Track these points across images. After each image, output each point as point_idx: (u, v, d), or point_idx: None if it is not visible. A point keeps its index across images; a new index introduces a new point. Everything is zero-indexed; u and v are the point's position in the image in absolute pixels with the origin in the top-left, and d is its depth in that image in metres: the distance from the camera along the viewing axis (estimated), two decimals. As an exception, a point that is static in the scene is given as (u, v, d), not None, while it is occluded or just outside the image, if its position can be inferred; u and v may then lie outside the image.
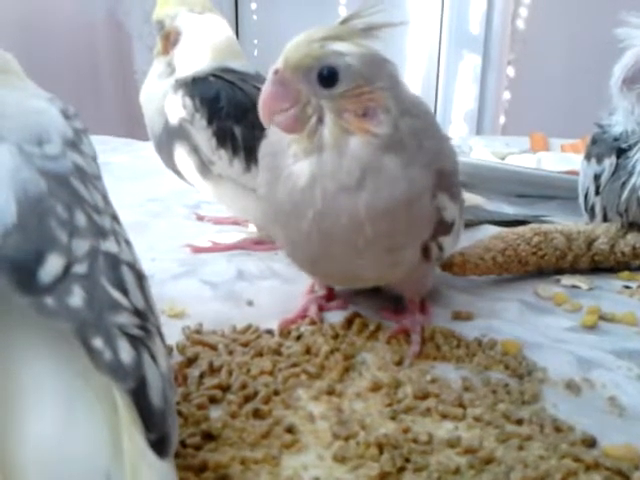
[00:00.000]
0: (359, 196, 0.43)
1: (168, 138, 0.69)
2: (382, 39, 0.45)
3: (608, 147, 0.69)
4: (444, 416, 0.42)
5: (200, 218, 0.84)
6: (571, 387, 0.46)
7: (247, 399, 0.43)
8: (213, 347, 0.49)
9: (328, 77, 0.43)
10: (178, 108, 0.67)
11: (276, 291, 0.61)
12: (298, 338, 0.51)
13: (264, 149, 0.50)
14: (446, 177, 0.49)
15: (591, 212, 0.73)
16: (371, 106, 0.44)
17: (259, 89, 0.66)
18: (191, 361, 0.47)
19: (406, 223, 0.46)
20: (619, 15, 0.65)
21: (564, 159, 1.13)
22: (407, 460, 0.37)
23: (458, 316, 0.56)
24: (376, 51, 0.45)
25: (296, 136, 0.45)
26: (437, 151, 0.48)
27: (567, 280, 0.65)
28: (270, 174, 0.48)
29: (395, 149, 0.44)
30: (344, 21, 0.44)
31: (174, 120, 0.67)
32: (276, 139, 0.48)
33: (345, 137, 0.43)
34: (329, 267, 0.50)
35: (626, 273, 0.67)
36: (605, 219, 0.71)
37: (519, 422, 0.41)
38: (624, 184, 0.67)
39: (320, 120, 0.44)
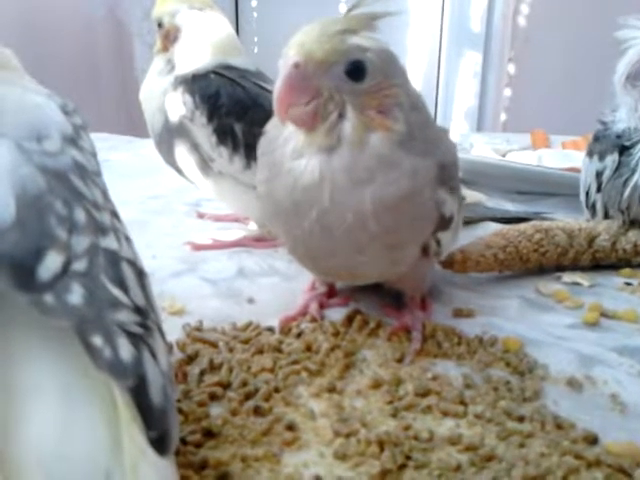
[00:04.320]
0: (366, 190, 0.43)
1: (168, 135, 0.69)
2: (383, 36, 0.45)
3: (610, 144, 0.69)
4: (445, 413, 0.42)
5: (200, 215, 0.84)
6: (572, 384, 0.46)
7: (247, 396, 0.43)
8: (213, 344, 0.49)
9: (357, 71, 0.42)
10: (178, 105, 0.67)
11: (276, 288, 0.61)
12: (299, 335, 0.51)
13: (263, 146, 0.50)
14: (446, 170, 0.49)
15: (592, 209, 0.73)
16: (388, 102, 0.44)
17: (260, 86, 0.67)
18: (191, 358, 0.47)
19: (409, 218, 0.46)
20: (618, 19, 0.65)
21: (565, 156, 1.13)
22: (408, 457, 0.37)
23: (459, 313, 0.56)
24: (388, 47, 0.45)
25: (306, 132, 0.44)
26: (438, 144, 0.49)
27: (568, 277, 0.65)
28: (269, 171, 0.48)
29: (407, 144, 0.44)
30: (350, 10, 0.44)
31: (174, 117, 0.67)
32: (274, 136, 0.48)
33: (366, 133, 0.43)
34: (331, 263, 0.50)
35: (627, 270, 0.67)
36: (606, 216, 0.71)
37: (520, 419, 0.41)
38: (626, 181, 0.67)
39: (340, 116, 0.43)
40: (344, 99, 0.43)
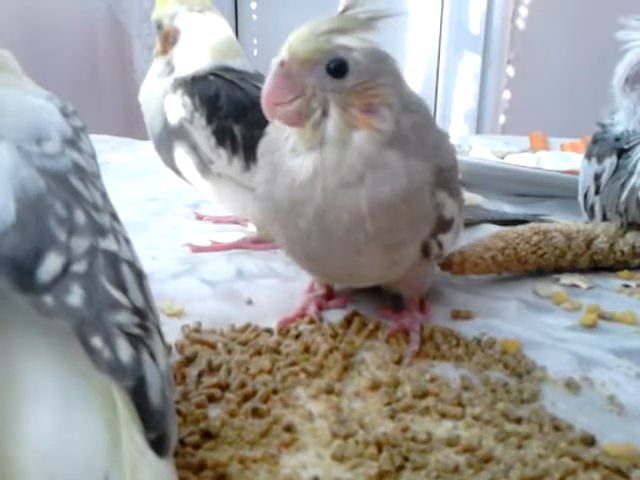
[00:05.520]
0: (360, 192, 0.44)
1: (168, 137, 0.69)
2: (382, 38, 0.45)
3: (609, 147, 0.69)
4: (443, 415, 0.42)
5: (200, 217, 0.84)
6: (570, 386, 0.46)
7: (246, 398, 0.43)
8: (212, 346, 0.49)
9: (338, 69, 0.43)
10: (177, 107, 0.67)
11: (275, 290, 0.61)
12: (297, 337, 0.51)
13: (262, 147, 0.50)
14: (445, 173, 0.49)
15: (590, 211, 0.73)
16: (374, 102, 0.44)
17: (259, 88, 0.66)
18: (190, 360, 0.47)
19: (406, 219, 0.46)
20: (618, 19, 0.65)
21: (563, 158, 1.13)
22: (406, 459, 0.37)
23: (457, 315, 0.56)
24: (380, 47, 0.45)
25: (297, 129, 0.45)
26: (436, 147, 0.49)
27: (566, 279, 0.65)
28: (268, 171, 0.48)
29: (397, 145, 0.44)
30: (344, 10, 0.44)
31: (173, 119, 0.67)
32: (274, 137, 0.48)
33: (349, 131, 0.43)
34: (329, 265, 0.50)
35: (625, 272, 0.67)
36: (604, 218, 0.71)
37: (518, 421, 0.41)
38: (624, 184, 0.67)
39: (324, 114, 0.44)
40: (327, 97, 0.43)
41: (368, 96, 0.44)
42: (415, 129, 0.45)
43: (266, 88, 0.44)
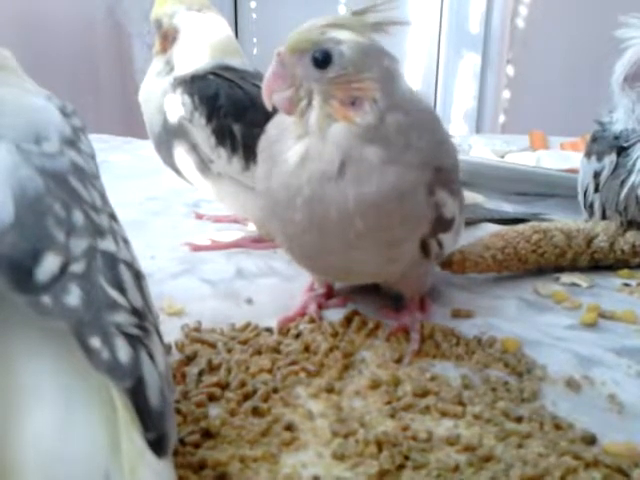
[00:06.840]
0: (343, 187, 0.44)
1: (167, 136, 0.69)
2: (381, 37, 0.45)
3: (608, 145, 0.69)
4: (443, 414, 0.42)
5: (199, 216, 0.84)
6: (571, 385, 0.46)
7: (246, 397, 0.43)
8: (212, 345, 0.49)
9: (321, 59, 0.43)
10: (177, 106, 0.67)
11: (275, 289, 0.61)
12: (297, 336, 0.51)
13: (262, 144, 0.51)
14: (445, 174, 0.48)
15: (590, 210, 0.73)
16: (359, 96, 0.44)
17: (258, 87, 0.66)
18: (190, 359, 0.47)
19: (399, 218, 0.46)
20: (618, 18, 0.65)
21: (563, 157, 1.13)
22: (406, 458, 0.37)
23: (457, 314, 0.56)
24: (376, 44, 0.45)
25: (294, 118, 0.46)
26: (434, 148, 0.48)
27: (566, 278, 0.65)
28: (267, 165, 0.48)
29: (378, 142, 0.44)
30: (356, 13, 0.45)
31: (173, 118, 0.67)
32: (275, 132, 0.49)
33: (328, 123, 0.44)
34: (326, 261, 0.50)
35: (625, 271, 0.67)
36: (604, 217, 0.71)
37: (518, 420, 0.41)
38: (623, 182, 0.66)
39: (309, 104, 0.45)
40: (311, 87, 0.44)
41: (350, 89, 0.44)
42: (403, 129, 0.45)
43: (265, 76, 0.46)
